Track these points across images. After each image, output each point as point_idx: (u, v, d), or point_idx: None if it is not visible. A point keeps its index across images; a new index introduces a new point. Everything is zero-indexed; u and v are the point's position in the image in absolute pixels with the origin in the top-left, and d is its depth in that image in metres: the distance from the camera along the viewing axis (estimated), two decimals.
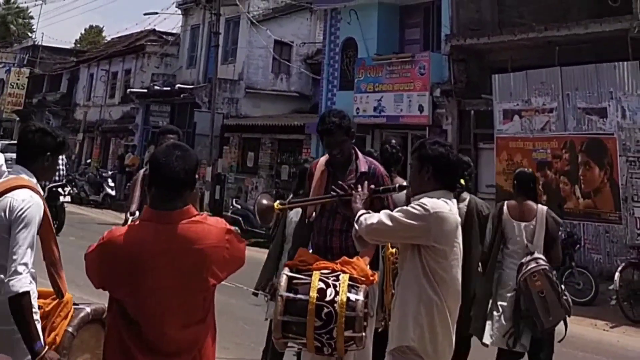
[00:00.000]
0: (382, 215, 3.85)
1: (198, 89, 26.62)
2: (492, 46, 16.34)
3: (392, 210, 3.96)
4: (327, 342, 4.12)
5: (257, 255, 4.30)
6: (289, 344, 4.34)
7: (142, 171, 6.23)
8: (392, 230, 3.81)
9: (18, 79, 43.40)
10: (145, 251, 3.02)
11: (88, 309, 4.38)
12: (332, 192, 4.47)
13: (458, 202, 5.99)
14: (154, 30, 33.54)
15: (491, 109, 15.75)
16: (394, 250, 4.31)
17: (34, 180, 3.85)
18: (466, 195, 6.06)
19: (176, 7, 30.64)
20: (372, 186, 4.33)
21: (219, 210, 21.19)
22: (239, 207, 19.82)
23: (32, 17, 60.93)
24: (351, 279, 4.19)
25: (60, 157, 4.80)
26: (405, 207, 3.83)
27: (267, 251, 6.24)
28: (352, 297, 4.09)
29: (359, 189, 4.26)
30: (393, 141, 6.39)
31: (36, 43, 46.11)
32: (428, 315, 3.73)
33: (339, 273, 4.24)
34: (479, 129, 16.54)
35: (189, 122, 25.89)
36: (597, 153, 13.69)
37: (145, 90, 29.97)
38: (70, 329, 4.04)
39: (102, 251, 3.11)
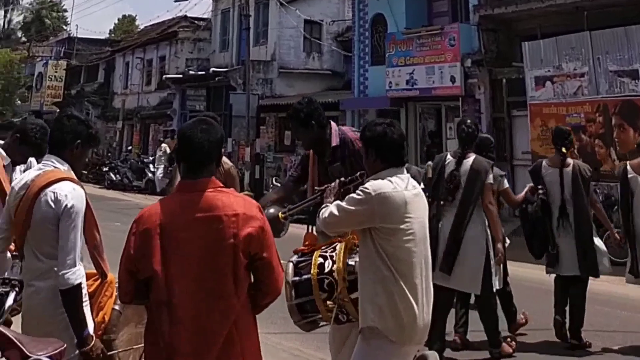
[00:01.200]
0: (332, 207, 3.96)
1: (232, 72, 26.91)
2: (521, 14, 16.41)
3: None
4: (338, 310, 4.19)
5: (299, 232, 4.46)
6: (320, 324, 4.42)
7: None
8: (341, 219, 3.92)
9: (56, 72, 43.97)
10: (173, 220, 3.15)
11: None
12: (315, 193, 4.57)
13: (563, 166, 6.90)
14: (186, 16, 33.68)
15: (523, 77, 15.86)
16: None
17: (67, 167, 3.91)
18: (570, 161, 6.98)
19: None
20: (342, 179, 4.39)
21: (259, 189, 21.58)
22: (279, 185, 20.09)
23: (65, 10, 61.66)
24: (349, 246, 4.30)
25: None
26: (350, 195, 3.94)
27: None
28: (350, 261, 4.19)
29: (331, 185, 4.34)
30: (468, 121, 6.73)
31: (71, 35, 46.44)
32: (386, 294, 3.79)
33: (336, 244, 4.34)
34: (511, 97, 16.67)
35: (225, 104, 26.21)
36: (630, 115, 13.76)
37: (181, 76, 30.33)
38: (117, 307, 4.18)
39: (136, 227, 3.23)
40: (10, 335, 3.23)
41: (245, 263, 3.18)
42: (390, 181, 3.86)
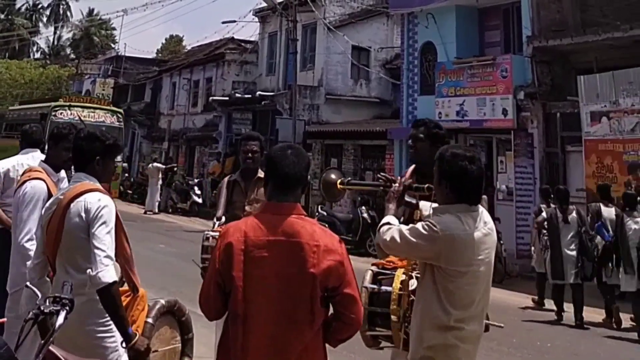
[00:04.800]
0: (395, 232, 3.77)
1: (278, 96, 26.87)
2: (576, 47, 16.08)
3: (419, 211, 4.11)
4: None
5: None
6: (381, 344, 4.36)
7: (226, 178, 6.50)
8: (402, 248, 3.76)
9: (103, 90, 44.03)
10: (256, 238, 3.19)
11: (162, 301, 4.77)
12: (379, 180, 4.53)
13: None
14: (233, 38, 33.69)
15: (578, 111, 15.51)
16: None
17: (97, 183, 4.08)
18: None
19: (253, 14, 30.98)
20: (408, 183, 4.23)
21: None
22: (325, 213, 19.94)
23: (114, 29, 62.22)
24: None
25: None
26: (416, 225, 3.73)
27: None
28: None
29: (395, 185, 4.22)
30: None
31: (119, 54, 46.99)
32: (435, 331, 3.65)
33: None
34: (565, 131, 16.29)
35: (271, 129, 26.16)
36: None
37: (227, 98, 30.27)
38: (150, 320, 4.37)
39: (221, 241, 3.28)
40: (59, 355, 3.38)
41: (322, 296, 3.17)
42: (459, 219, 3.63)
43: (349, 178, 4.92)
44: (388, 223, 3.92)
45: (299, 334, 3.17)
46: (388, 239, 3.80)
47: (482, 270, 3.69)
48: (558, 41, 16.35)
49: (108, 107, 25.43)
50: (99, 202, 3.92)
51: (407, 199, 4.28)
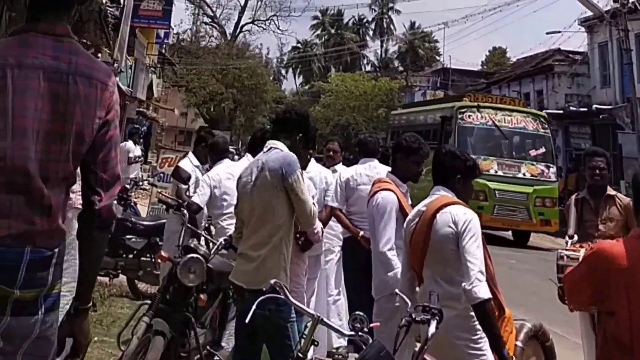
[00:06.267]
0: None
1: (617, 109, 25.89)
2: None
3: None
4: None
5: None
6: None
7: (573, 196, 6.50)
8: None
9: None
10: (637, 266, 2.92)
11: (529, 324, 4.68)
12: None
13: None
14: (559, 49, 33.11)
15: None
16: None
17: (456, 198, 4.07)
18: None
19: (579, 24, 30.05)
20: None
21: None
22: None
23: (437, 41, 63.39)
24: None
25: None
26: None
27: None
28: None
29: None
30: None
31: (445, 66, 47.90)
32: None
33: None
34: None
35: (613, 144, 25.35)
36: None
37: (561, 112, 29.81)
38: (519, 344, 4.34)
39: (592, 261, 3.09)
40: None
41: None
42: None
43: None
44: None
45: None
46: None
47: None
48: None
49: (527, 110, 21.07)
50: (465, 215, 3.89)
51: None
